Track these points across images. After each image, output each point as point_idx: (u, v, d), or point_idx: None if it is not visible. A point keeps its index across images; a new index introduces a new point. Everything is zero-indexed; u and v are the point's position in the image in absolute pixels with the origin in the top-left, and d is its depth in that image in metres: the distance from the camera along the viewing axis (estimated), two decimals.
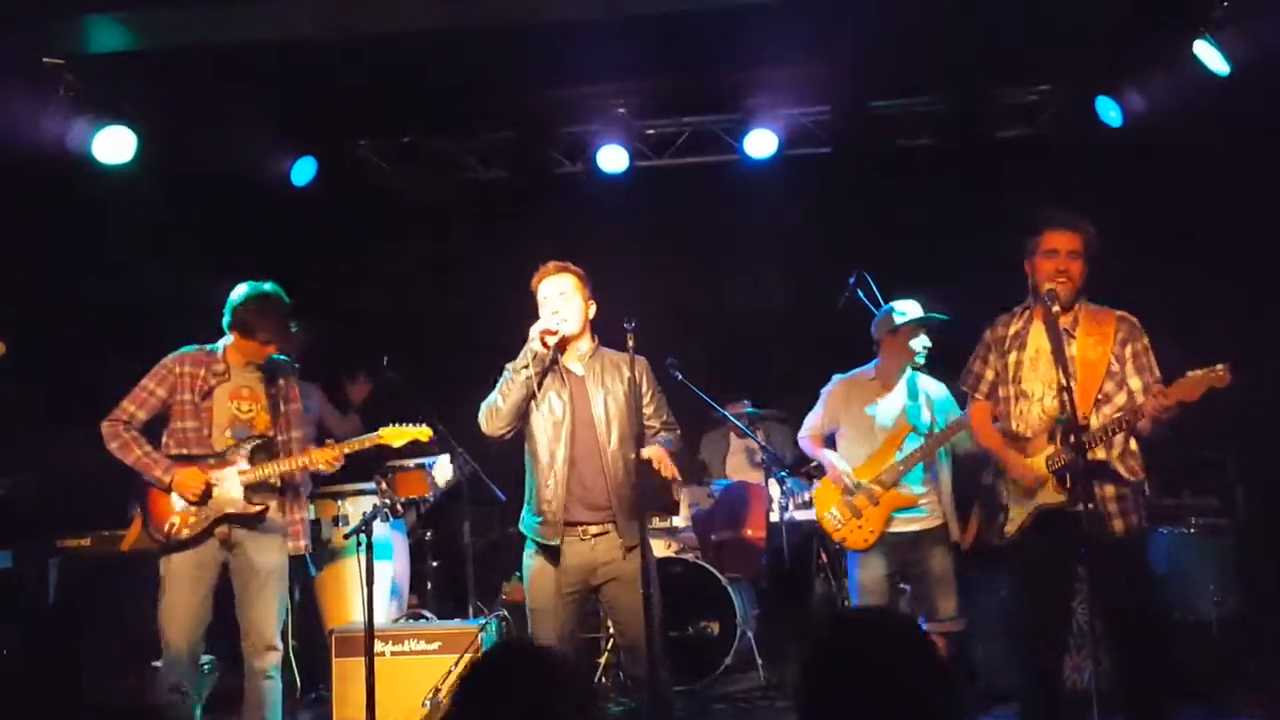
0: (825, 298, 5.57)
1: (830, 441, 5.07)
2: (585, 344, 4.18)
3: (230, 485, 4.37)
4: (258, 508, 4.39)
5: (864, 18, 5.25)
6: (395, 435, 4.59)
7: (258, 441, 4.44)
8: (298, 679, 5.39)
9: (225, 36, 5.15)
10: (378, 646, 4.54)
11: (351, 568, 5.25)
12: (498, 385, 4.11)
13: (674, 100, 6.68)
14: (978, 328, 4.18)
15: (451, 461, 5.83)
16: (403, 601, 5.83)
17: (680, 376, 5.38)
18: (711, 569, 5.93)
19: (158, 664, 4.42)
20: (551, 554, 4.03)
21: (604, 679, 5.74)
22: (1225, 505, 5.53)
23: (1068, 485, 3.79)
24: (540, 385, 4.04)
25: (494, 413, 4.07)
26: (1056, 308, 3.82)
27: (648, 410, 4.15)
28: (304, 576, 5.31)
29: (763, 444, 6.15)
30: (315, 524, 5.48)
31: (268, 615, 4.38)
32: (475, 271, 6.87)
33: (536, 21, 5.26)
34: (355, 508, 5.71)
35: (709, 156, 6.91)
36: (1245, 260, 5.64)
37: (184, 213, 5.92)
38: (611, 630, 5.42)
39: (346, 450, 4.53)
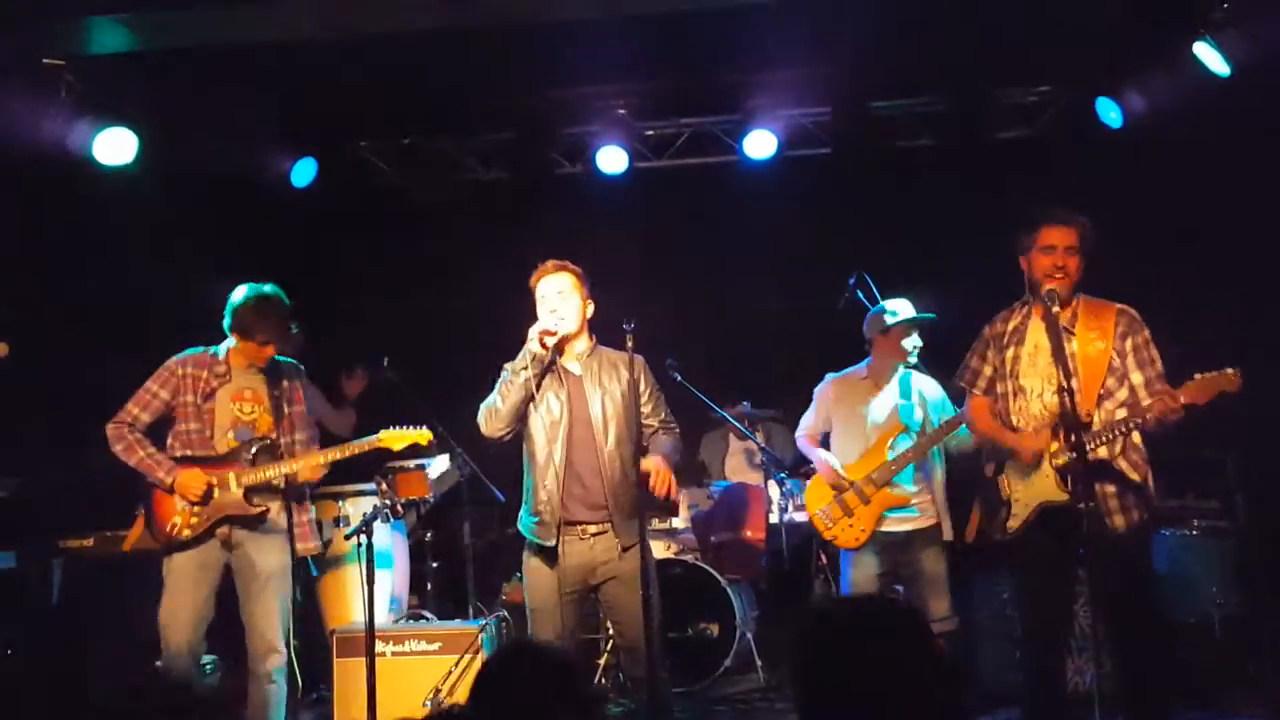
0: (825, 298, 5.58)
1: (826, 441, 5.09)
2: (583, 343, 4.18)
3: (231, 486, 4.37)
4: (258, 509, 4.40)
5: (864, 18, 5.25)
6: (395, 439, 4.57)
7: (261, 443, 4.44)
8: (299, 679, 5.40)
9: (225, 38, 5.16)
10: (378, 647, 4.55)
11: (352, 568, 5.27)
12: (496, 386, 4.11)
13: (674, 101, 6.69)
14: (977, 328, 4.19)
15: (451, 462, 5.83)
16: (401, 612, 5.82)
17: (679, 377, 5.39)
18: (711, 570, 5.93)
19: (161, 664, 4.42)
20: (549, 554, 4.03)
21: (603, 680, 5.74)
22: (1226, 507, 5.53)
23: (1070, 484, 3.80)
24: (539, 387, 4.04)
25: (493, 414, 4.07)
26: (1056, 308, 3.83)
27: (646, 409, 4.14)
28: (305, 577, 5.32)
29: (762, 445, 6.15)
30: (316, 525, 5.47)
31: (269, 616, 4.38)
32: (475, 272, 6.87)
33: (536, 21, 5.26)
34: (355, 508, 5.71)
35: (709, 157, 6.91)
36: (1245, 261, 5.64)
37: (184, 214, 5.92)
38: (611, 631, 5.42)
39: (346, 454, 4.52)
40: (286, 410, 4.52)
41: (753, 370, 6.95)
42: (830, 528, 4.91)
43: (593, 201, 6.91)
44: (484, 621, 5.05)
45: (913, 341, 4.96)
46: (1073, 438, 3.68)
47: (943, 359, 4.91)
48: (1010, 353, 4.02)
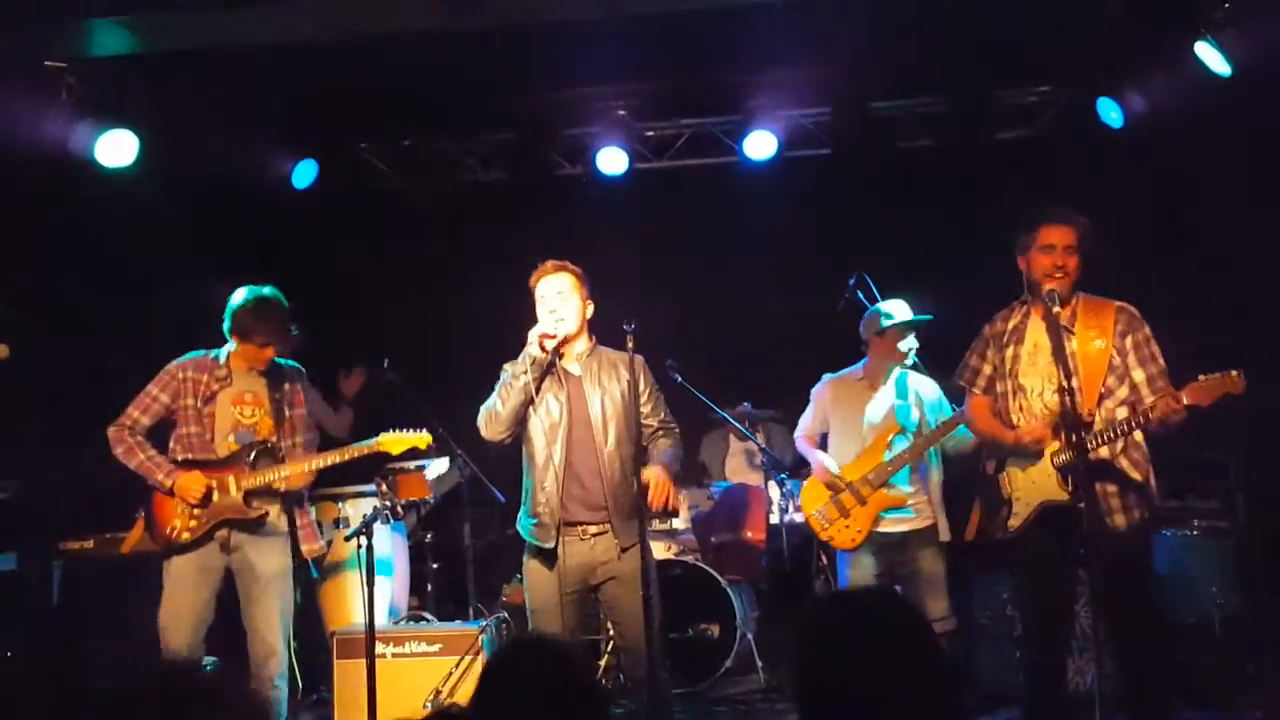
0: (825, 299, 5.57)
1: (824, 442, 5.09)
2: (582, 344, 4.18)
3: (231, 490, 4.37)
4: (257, 513, 4.40)
5: (864, 18, 5.25)
6: (395, 443, 4.54)
7: (261, 447, 4.44)
8: (299, 681, 5.39)
9: (226, 39, 5.16)
10: (379, 648, 4.55)
11: (352, 570, 5.27)
12: (496, 388, 4.11)
13: (674, 102, 6.68)
14: (977, 328, 4.19)
15: (451, 463, 5.83)
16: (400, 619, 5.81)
17: (679, 378, 5.38)
18: (711, 571, 5.93)
19: None
20: (549, 556, 4.03)
21: (604, 681, 5.73)
22: (1226, 507, 5.52)
23: (1071, 483, 3.79)
24: (538, 390, 4.04)
25: (493, 417, 4.07)
26: (1057, 308, 3.83)
27: (645, 409, 4.14)
28: (305, 579, 5.31)
29: (762, 446, 6.15)
30: (316, 525, 5.47)
31: (268, 619, 4.38)
32: (475, 273, 6.87)
33: (536, 22, 5.26)
34: (355, 510, 5.71)
35: (709, 158, 6.91)
36: (1246, 261, 5.63)
37: (185, 215, 5.93)
38: (611, 632, 5.42)
39: (345, 458, 4.51)
40: (287, 414, 4.52)
41: (753, 370, 6.94)
42: (826, 528, 4.92)
43: (593, 202, 6.90)
44: (484, 623, 5.05)
45: (908, 343, 4.96)
46: (1074, 437, 3.68)
47: (942, 359, 4.91)
48: (1010, 352, 4.02)
